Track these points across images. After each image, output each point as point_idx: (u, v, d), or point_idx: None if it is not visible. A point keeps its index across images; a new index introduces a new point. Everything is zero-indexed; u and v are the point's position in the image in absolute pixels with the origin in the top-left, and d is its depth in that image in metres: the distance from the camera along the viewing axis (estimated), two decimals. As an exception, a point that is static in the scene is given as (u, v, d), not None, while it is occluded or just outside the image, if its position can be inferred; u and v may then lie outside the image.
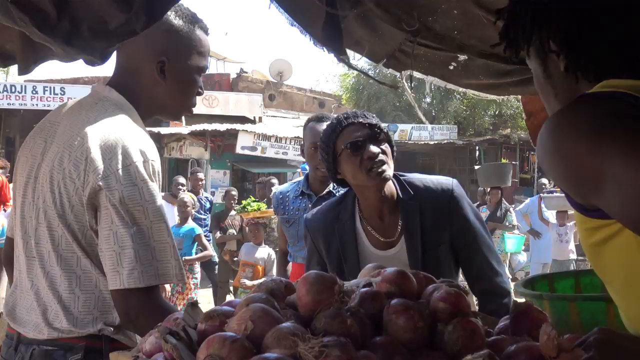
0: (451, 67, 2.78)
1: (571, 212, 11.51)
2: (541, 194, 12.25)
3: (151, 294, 1.76)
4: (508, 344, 1.32)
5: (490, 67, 2.83)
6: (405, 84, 2.88)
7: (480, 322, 1.33)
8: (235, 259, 8.50)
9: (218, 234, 9.71)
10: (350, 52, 2.72)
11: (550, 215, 11.49)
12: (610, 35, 1.30)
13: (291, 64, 22.86)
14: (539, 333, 1.37)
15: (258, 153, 16.46)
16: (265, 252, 8.27)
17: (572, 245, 11.27)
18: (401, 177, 2.54)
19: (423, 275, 1.54)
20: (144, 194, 1.77)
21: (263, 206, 8.83)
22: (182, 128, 16.39)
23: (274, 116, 20.82)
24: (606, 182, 1.11)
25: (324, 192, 3.52)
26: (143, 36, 1.68)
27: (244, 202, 9.03)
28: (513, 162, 18.37)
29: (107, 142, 1.79)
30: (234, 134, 16.43)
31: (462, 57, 2.74)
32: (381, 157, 2.38)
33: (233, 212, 9.96)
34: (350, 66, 2.29)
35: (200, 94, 2.11)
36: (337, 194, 3.38)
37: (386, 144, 2.45)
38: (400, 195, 2.49)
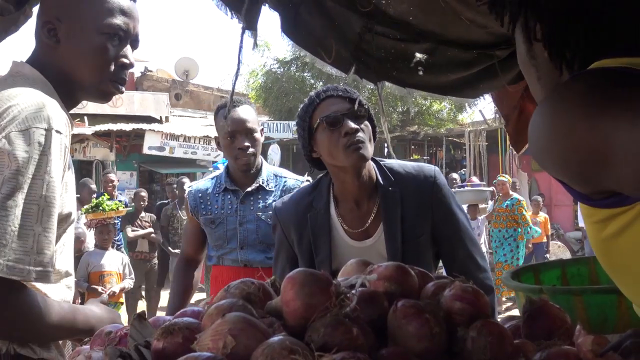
0: (420, 73, 2.58)
1: (482, 206, 11.80)
2: (453, 189, 12.34)
3: None
4: (535, 349, 1.10)
5: (452, 60, 2.67)
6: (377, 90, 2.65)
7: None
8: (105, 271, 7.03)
9: (129, 230, 9.19)
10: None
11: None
12: (599, 33, 1.15)
13: (197, 63, 22.33)
14: (559, 334, 1.17)
15: (166, 153, 15.90)
16: (118, 257, 7.24)
17: (483, 238, 11.41)
18: (381, 162, 2.34)
19: (418, 270, 1.29)
20: (39, 165, 1.47)
21: (120, 205, 7.97)
22: (85, 128, 15.65)
23: (180, 116, 20.25)
24: (616, 154, 0.96)
25: (252, 187, 3.10)
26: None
27: (95, 200, 7.78)
28: (425, 158, 18.56)
29: (5, 108, 1.50)
30: (140, 134, 15.83)
31: (423, 56, 2.55)
32: (360, 135, 2.16)
33: (143, 214, 9.50)
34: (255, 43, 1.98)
35: (127, 65, 1.78)
36: (267, 188, 3.09)
37: (367, 122, 2.23)
38: (380, 181, 2.28)
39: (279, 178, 3.18)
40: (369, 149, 2.20)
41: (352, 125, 2.16)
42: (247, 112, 3.07)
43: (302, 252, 2.34)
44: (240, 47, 1.87)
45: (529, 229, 10.71)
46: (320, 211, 2.33)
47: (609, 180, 1.00)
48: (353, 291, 1.11)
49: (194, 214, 3.18)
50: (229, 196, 3.13)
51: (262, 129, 3.17)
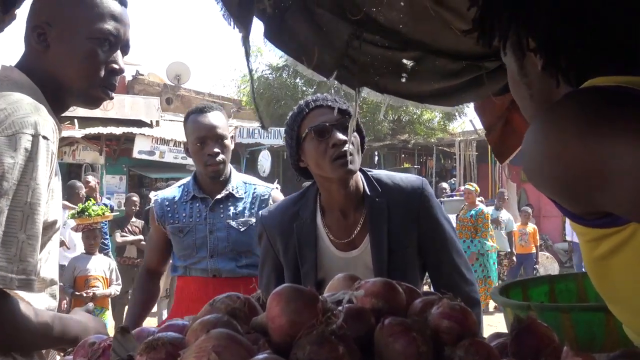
0: (403, 80, 2.57)
1: (471, 215, 11.75)
2: (441, 199, 12.35)
3: None
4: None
5: (439, 69, 2.64)
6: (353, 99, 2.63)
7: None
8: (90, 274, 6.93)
9: (118, 236, 9.11)
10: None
11: (451, 219, 11.54)
12: (596, 36, 1.13)
13: (189, 67, 22.30)
14: (546, 353, 1.16)
15: (156, 158, 15.87)
16: (105, 261, 7.22)
17: (472, 249, 11.40)
18: (368, 173, 2.33)
19: (406, 286, 1.28)
20: (25, 171, 1.44)
21: (106, 210, 7.88)
22: (75, 131, 15.60)
23: (171, 120, 20.20)
24: (610, 175, 0.94)
25: (222, 194, 3.04)
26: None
27: (80, 205, 7.78)
28: (415, 167, 18.56)
29: None
30: (130, 138, 15.79)
31: (409, 62, 2.53)
32: (348, 147, 2.15)
33: (134, 219, 9.43)
34: (247, 56, 1.98)
35: (117, 70, 1.76)
36: (237, 195, 3.05)
37: (355, 134, 2.22)
38: (368, 192, 2.27)
39: (248, 185, 3.13)
40: (357, 162, 2.19)
41: (340, 136, 2.15)
42: (217, 118, 3.01)
43: (288, 262, 2.32)
44: (247, 55, 1.87)
45: (477, 241, 10.52)
46: (306, 221, 2.31)
47: (602, 201, 0.99)
48: (340, 307, 1.10)
49: (160, 223, 3.09)
50: (197, 204, 3.06)
51: (233, 136, 3.12)
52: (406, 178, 2.35)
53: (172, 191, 3.16)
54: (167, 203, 3.09)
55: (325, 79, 2.52)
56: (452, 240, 2.31)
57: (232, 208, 3.03)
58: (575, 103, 1.04)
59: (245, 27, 1.87)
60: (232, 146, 3.07)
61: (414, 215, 2.25)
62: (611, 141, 0.94)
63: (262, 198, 3.08)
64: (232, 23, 1.89)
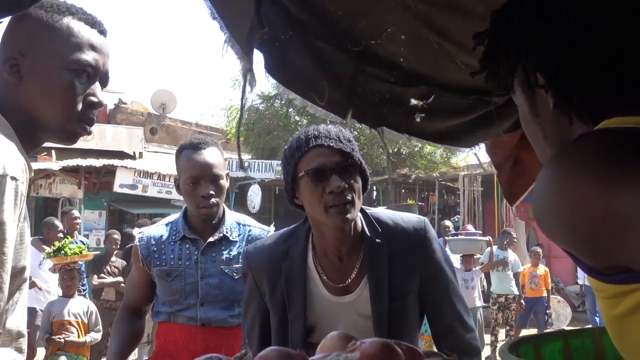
0: (417, 119, 2.58)
1: (477, 256, 11.70)
2: (445, 237, 12.28)
3: None
4: None
5: (448, 105, 2.67)
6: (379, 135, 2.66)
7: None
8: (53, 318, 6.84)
9: (96, 278, 9.01)
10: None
11: (455, 260, 11.49)
12: (609, 70, 1.11)
13: (175, 95, 22.40)
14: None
15: (138, 192, 15.85)
16: (83, 304, 7.09)
17: (477, 292, 11.31)
18: (368, 211, 2.27)
19: (406, 346, 1.24)
20: None
21: (84, 249, 7.79)
22: (51, 163, 15.61)
23: (155, 152, 20.22)
24: (631, 228, 0.91)
25: (216, 237, 2.97)
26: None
27: (57, 243, 7.66)
28: (420, 203, 18.46)
29: None
30: (111, 171, 15.79)
31: (419, 102, 2.56)
32: (347, 194, 2.09)
33: (114, 258, 9.34)
34: (252, 83, 1.98)
35: (95, 104, 1.73)
36: (231, 238, 2.98)
37: (358, 176, 2.16)
38: (367, 232, 2.22)
39: (242, 227, 3.06)
40: (356, 209, 2.14)
41: (339, 183, 2.08)
42: (213, 156, 2.94)
43: (275, 305, 2.27)
44: (243, 90, 1.87)
45: None
46: (295, 261, 2.25)
47: (620, 255, 0.96)
48: (332, 372, 1.06)
49: (145, 264, 2.99)
50: (187, 245, 2.97)
51: (228, 173, 3.05)
52: (407, 218, 2.30)
53: (159, 229, 3.06)
54: (154, 242, 2.99)
55: (339, 118, 2.53)
56: (453, 285, 2.28)
57: (225, 253, 2.96)
58: (589, 148, 1.02)
59: (248, 60, 1.88)
60: (227, 185, 3.01)
61: (417, 260, 2.21)
62: (628, 190, 0.92)
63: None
64: (236, 54, 1.89)
